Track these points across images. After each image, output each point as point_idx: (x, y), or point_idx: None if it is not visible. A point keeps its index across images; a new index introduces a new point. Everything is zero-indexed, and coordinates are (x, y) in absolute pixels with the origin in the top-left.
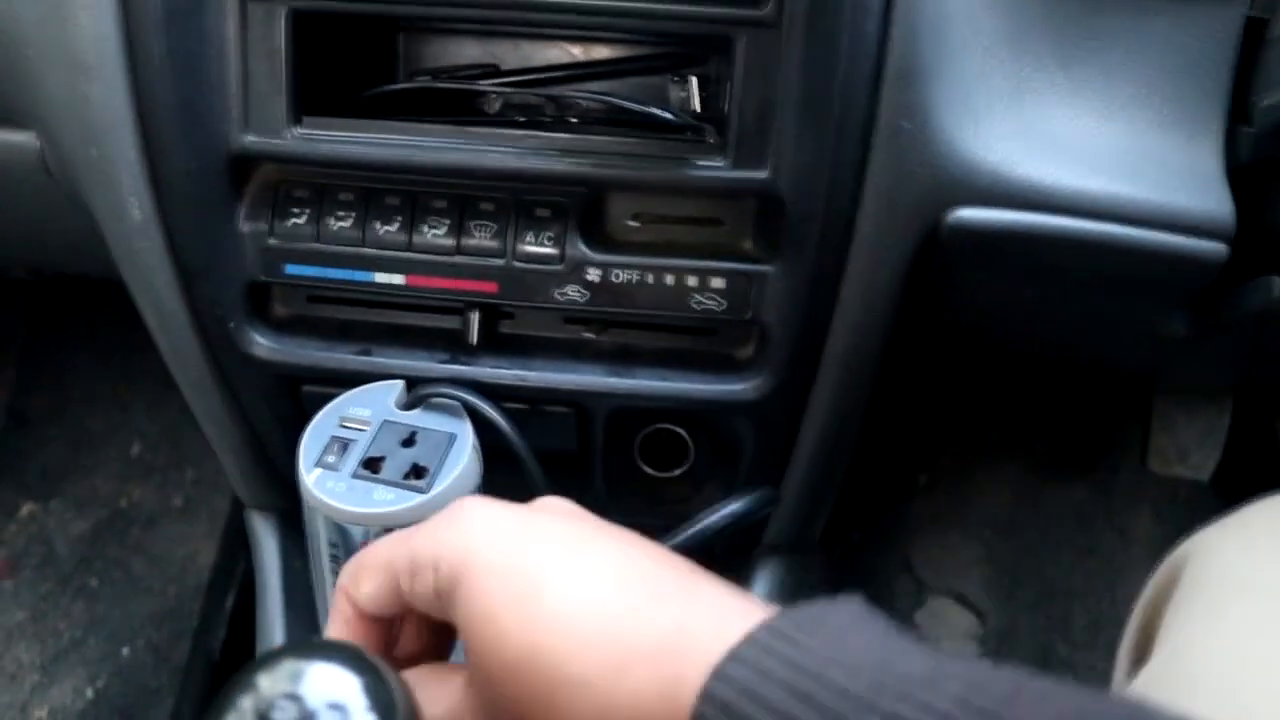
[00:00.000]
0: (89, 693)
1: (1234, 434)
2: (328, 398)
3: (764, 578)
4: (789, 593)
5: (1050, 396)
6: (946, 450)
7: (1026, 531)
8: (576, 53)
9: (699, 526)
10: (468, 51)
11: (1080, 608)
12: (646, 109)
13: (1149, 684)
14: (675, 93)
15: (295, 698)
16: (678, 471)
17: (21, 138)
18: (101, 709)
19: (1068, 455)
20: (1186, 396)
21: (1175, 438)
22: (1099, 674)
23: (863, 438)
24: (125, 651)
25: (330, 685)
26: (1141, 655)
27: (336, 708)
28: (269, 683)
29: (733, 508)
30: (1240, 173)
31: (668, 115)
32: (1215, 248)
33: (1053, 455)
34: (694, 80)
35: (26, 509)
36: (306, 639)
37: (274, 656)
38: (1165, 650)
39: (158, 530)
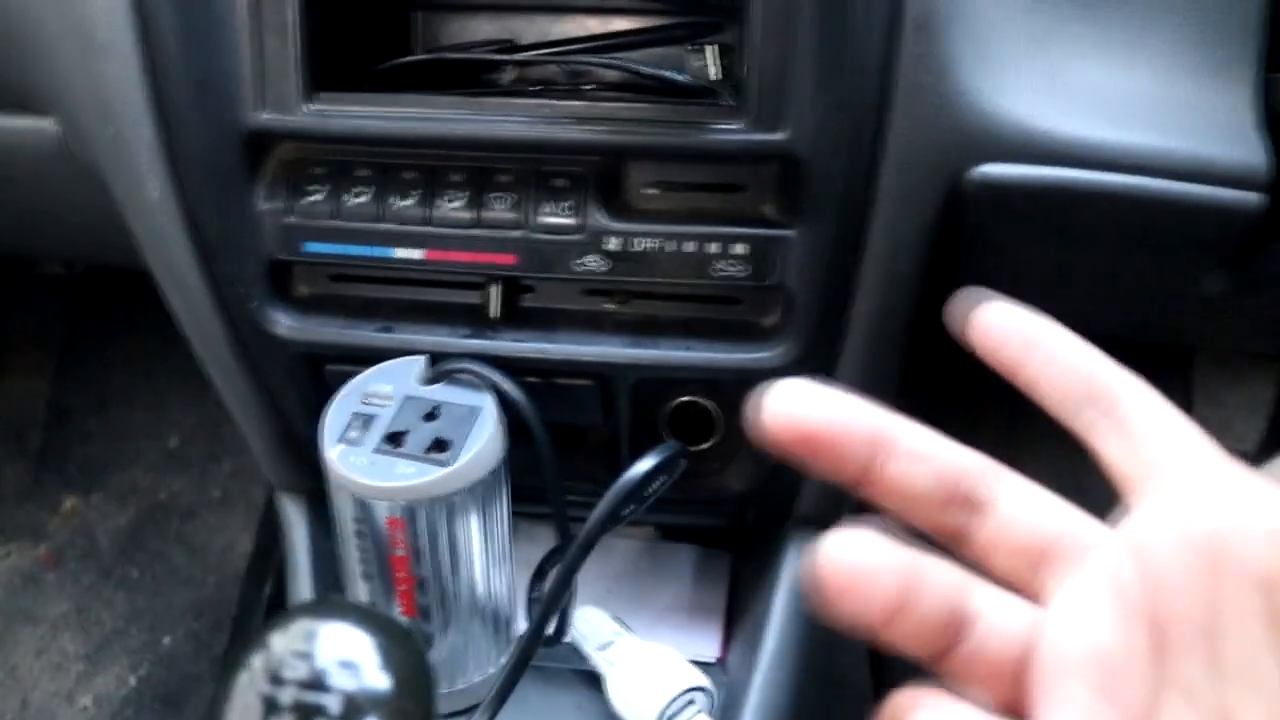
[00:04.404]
0: (131, 681)
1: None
2: (351, 376)
3: (795, 550)
4: None
5: None
6: (984, 432)
7: None
8: (593, 26)
9: (623, 481)
10: (484, 28)
11: None
12: (660, 73)
13: None
14: (692, 62)
15: (306, 656)
16: (706, 445)
17: (43, 124)
18: (144, 696)
19: None
20: (1229, 367)
21: (1218, 409)
22: None
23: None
24: (166, 640)
25: (342, 644)
26: None
27: (348, 665)
28: (282, 642)
29: (647, 461)
30: (1277, 120)
31: (682, 79)
32: (1251, 198)
33: None
34: (711, 49)
35: (68, 503)
36: (324, 598)
37: (288, 616)
38: None
39: (196, 521)
